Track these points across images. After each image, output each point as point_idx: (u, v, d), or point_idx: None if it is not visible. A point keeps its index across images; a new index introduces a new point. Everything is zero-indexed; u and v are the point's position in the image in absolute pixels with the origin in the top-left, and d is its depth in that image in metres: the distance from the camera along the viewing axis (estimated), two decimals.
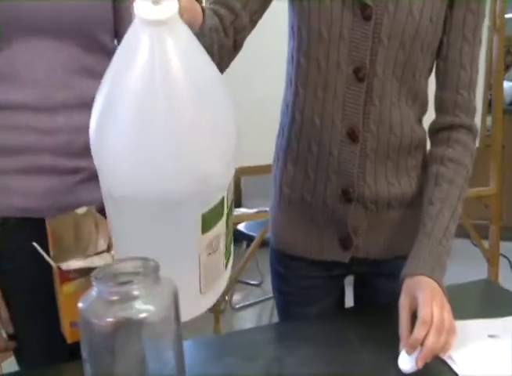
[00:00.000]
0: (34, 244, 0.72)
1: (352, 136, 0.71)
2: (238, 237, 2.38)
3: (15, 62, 0.73)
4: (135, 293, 0.32)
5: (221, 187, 0.46)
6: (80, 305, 0.33)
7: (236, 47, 0.68)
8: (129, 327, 0.32)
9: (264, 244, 1.99)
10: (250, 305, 2.41)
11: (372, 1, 0.66)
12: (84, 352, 0.34)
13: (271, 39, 1.67)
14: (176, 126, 0.39)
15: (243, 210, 1.98)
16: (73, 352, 0.88)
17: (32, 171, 0.73)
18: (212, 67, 0.47)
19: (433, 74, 0.75)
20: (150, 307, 0.33)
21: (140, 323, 0.32)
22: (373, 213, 0.75)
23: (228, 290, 1.90)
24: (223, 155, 0.44)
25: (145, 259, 0.34)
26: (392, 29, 0.67)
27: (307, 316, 0.79)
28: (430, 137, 0.77)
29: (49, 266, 0.77)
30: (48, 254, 0.71)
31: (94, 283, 0.33)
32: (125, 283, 0.33)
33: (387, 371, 0.58)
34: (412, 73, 0.70)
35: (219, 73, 0.50)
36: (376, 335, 0.66)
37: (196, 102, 0.40)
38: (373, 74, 0.69)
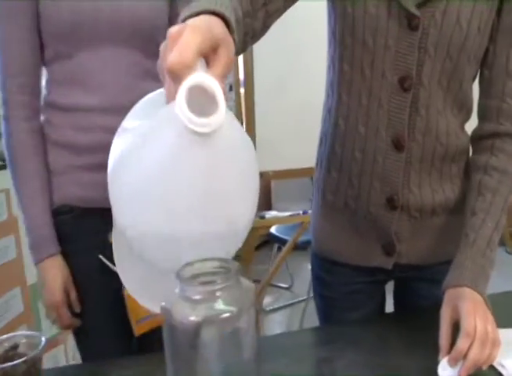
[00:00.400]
0: (100, 256, 0.82)
1: (397, 145, 0.72)
2: (270, 240, 2.40)
3: (84, 68, 0.83)
4: (218, 293, 0.34)
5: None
6: (162, 303, 0.35)
7: (264, 30, 0.65)
8: (211, 326, 0.33)
9: (294, 247, 2.01)
10: (280, 308, 2.43)
11: (419, 11, 0.66)
12: (167, 349, 0.36)
13: (307, 45, 1.69)
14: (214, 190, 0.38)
15: (273, 213, 2.00)
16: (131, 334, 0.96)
17: (99, 167, 0.80)
18: (250, 144, 0.47)
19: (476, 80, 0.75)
20: (232, 308, 0.34)
21: (222, 322, 0.33)
22: (416, 220, 0.76)
23: (260, 292, 1.93)
24: (252, 207, 0.46)
25: (223, 260, 0.36)
26: (439, 39, 0.67)
27: (349, 321, 0.81)
28: (472, 144, 0.77)
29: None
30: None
31: (178, 281, 0.34)
32: (208, 282, 0.34)
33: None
34: (459, 82, 0.71)
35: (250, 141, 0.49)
36: (420, 340, 0.67)
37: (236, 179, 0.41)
38: (419, 84, 0.69)
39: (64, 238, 0.89)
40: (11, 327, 1.45)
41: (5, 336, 0.55)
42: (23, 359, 0.50)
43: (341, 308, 0.84)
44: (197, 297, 0.33)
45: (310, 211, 1.82)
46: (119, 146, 0.42)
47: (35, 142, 0.86)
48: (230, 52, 0.42)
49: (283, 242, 1.99)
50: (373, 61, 0.70)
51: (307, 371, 0.63)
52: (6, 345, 0.54)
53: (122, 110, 0.86)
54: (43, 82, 0.89)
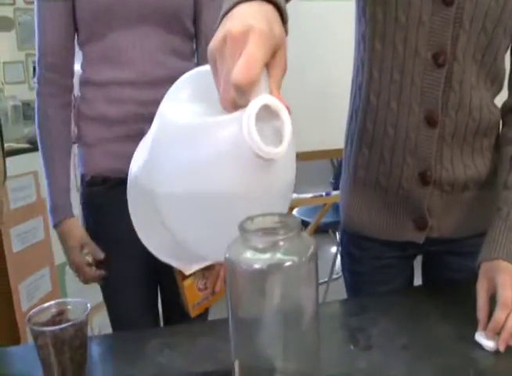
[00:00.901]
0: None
1: (430, 121, 0.73)
2: None
3: (116, 46, 0.89)
4: (281, 243, 0.35)
5: None
6: (227, 255, 0.36)
7: None
8: (275, 273, 0.35)
9: (316, 229, 2.03)
10: None
11: None
12: (230, 299, 0.38)
13: (327, 26, 1.69)
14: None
15: (294, 195, 2.02)
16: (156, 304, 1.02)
17: (131, 138, 0.84)
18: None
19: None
20: (294, 257, 0.35)
21: (285, 270, 0.35)
22: (448, 194, 0.77)
23: None
24: None
25: (283, 215, 0.38)
26: (475, 13, 0.67)
27: (379, 293, 0.83)
28: (502, 117, 0.78)
29: None
30: None
31: (240, 232, 0.36)
32: (271, 233, 0.36)
33: (472, 344, 0.61)
34: (493, 55, 0.71)
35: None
36: (454, 311, 0.69)
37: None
38: (453, 59, 0.70)
39: (97, 208, 0.96)
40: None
41: (52, 302, 0.58)
42: (70, 322, 0.53)
43: (371, 282, 0.86)
44: (261, 246, 0.35)
45: (333, 193, 1.84)
46: (164, 133, 0.42)
47: (60, 116, 0.94)
48: (286, 53, 0.42)
49: (305, 224, 2.01)
50: (406, 37, 0.70)
51: (341, 339, 0.65)
52: (54, 310, 0.57)
53: (150, 84, 0.91)
54: (78, 65, 0.96)
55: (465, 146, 0.75)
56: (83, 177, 0.98)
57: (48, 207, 0.95)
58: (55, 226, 0.95)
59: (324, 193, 1.80)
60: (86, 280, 0.97)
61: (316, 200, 1.83)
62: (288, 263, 0.35)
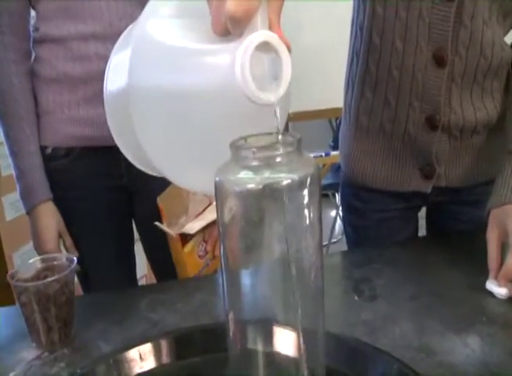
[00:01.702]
0: (157, 223, 0.81)
1: (439, 60, 0.68)
2: None
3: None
4: (278, 159, 0.30)
5: None
6: (216, 178, 0.32)
7: None
8: (272, 194, 0.30)
9: None
10: None
11: None
12: (222, 230, 0.33)
13: None
14: None
15: None
16: (134, 278, 0.96)
17: (96, 100, 0.77)
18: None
19: None
20: (294, 175, 0.30)
21: (283, 190, 0.30)
22: (456, 140, 0.73)
23: None
24: None
25: (280, 133, 0.33)
26: None
27: (385, 244, 0.80)
28: None
29: (111, 194, 0.87)
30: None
31: (232, 151, 0.31)
32: (267, 148, 0.31)
33: (483, 292, 0.58)
34: None
35: None
36: (462, 259, 0.66)
37: None
38: None
39: (61, 184, 0.84)
40: None
41: (38, 257, 0.55)
42: (55, 277, 0.50)
43: (375, 236, 0.82)
44: (256, 163, 0.30)
45: (332, 153, 1.79)
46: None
47: (25, 85, 0.82)
48: None
49: None
50: None
51: (345, 290, 0.62)
52: (39, 266, 0.54)
53: (118, 37, 0.84)
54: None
55: (475, 86, 0.70)
56: (42, 150, 0.84)
57: (18, 189, 0.82)
58: (29, 211, 0.82)
59: (323, 154, 1.75)
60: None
61: (316, 161, 1.79)
62: (287, 181, 0.30)
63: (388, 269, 0.66)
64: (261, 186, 0.30)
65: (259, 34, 0.32)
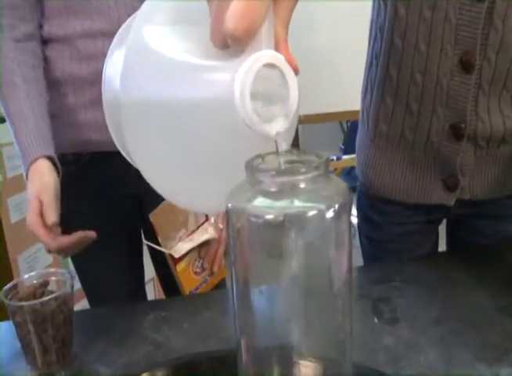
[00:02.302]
0: (146, 242, 0.77)
1: (466, 65, 0.63)
2: None
3: None
4: (303, 185, 0.26)
5: None
6: (229, 204, 0.28)
7: None
8: (294, 226, 0.26)
9: None
10: None
11: None
12: (233, 263, 0.29)
13: None
14: None
15: None
16: (138, 292, 0.93)
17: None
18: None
19: None
20: (320, 205, 0.26)
21: (308, 222, 0.26)
22: (483, 150, 0.68)
23: None
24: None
25: (305, 151, 0.29)
26: None
27: (405, 260, 0.76)
28: None
29: (122, 203, 0.83)
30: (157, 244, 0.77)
31: (247, 173, 0.27)
32: (290, 172, 0.27)
33: (510, 317, 0.54)
34: None
35: None
36: (491, 277, 0.62)
37: None
38: None
39: (69, 192, 0.75)
40: None
41: (33, 273, 0.52)
42: (52, 295, 0.47)
43: (392, 251, 0.78)
44: (275, 189, 0.26)
45: (344, 157, 1.75)
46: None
47: (25, 57, 0.74)
48: None
49: None
50: None
51: (363, 310, 0.58)
52: (34, 283, 0.51)
53: None
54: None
55: (504, 93, 0.66)
56: None
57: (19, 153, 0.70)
58: (27, 174, 0.69)
59: (335, 158, 1.71)
60: (52, 249, 0.74)
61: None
62: (312, 212, 0.25)
63: (409, 288, 0.62)
64: (281, 218, 0.26)
65: (262, 55, 0.28)
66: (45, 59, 0.79)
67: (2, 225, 1.36)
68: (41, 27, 0.79)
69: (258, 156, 0.28)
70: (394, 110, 0.70)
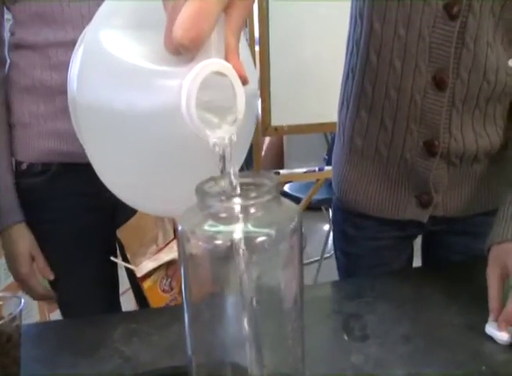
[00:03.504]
0: (112, 258, 0.79)
1: (439, 83, 0.64)
2: None
3: (61, 1, 0.72)
4: (252, 210, 0.26)
5: None
6: (180, 227, 0.28)
7: None
8: (243, 252, 0.26)
9: (308, 206, 1.96)
10: None
11: None
12: (184, 287, 0.29)
13: (322, 2, 1.60)
14: None
15: (285, 171, 1.93)
16: (112, 304, 0.92)
17: None
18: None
19: None
20: (270, 230, 0.26)
21: (258, 248, 0.26)
22: (456, 167, 0.69)
23: None
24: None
25: (256, 173, 0.29)
26: None
27: (376, 275, 0.76)
28: None
29: (91, 215, 0.82)
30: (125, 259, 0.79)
31: (197, 197, 0.27)
32: (239, 196, 0.26)
33: (483, 335, 0.54)
34: None
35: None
36: (458, 295, 0.62)
37: None
38: (468, 11, 0.60)
39: (36, 205, 0.79)
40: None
41: None
42: None
43: (367, 265, 0.78)
44: (225, 214, 0.26)
45: (326, 168, 1.75)
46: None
47: (0, 96, 0.76)
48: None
49: (296, 200, 1.93)
50: None
51: (334, 327, 0.58)
52: None
53: None
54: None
55: (477, 112, 0.67)
56: (17, 165, 0.78)
57: None
58: (1, 232, 0.77)
59: (317, 168, 1.71)
60: (37, 296, 0.83)
61: (309, 176, 1.74)
62: (261, 238, 0.26)
63: (380, 304, 0.62)
64: (229, 242, 0.25)
65: (210, 63, 0.28)
66: (13, 65, 0.78)
67: None
68: (12, 32, 0.77)
69: (211, 178, 0.28)
70: (368, 125, 0.71)
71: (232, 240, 0.26)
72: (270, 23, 1.58)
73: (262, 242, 0.26)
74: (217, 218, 0.26)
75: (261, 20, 1.57)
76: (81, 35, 0.39)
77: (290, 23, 1.62)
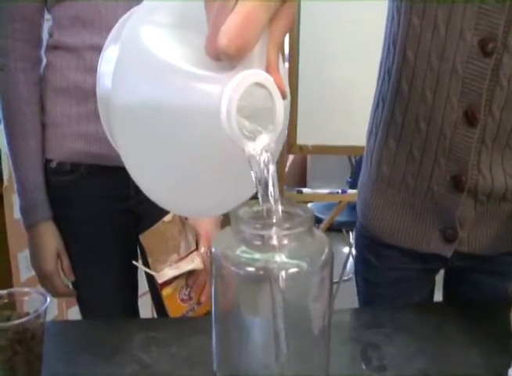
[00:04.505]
0: (134, 262, 0.81)
1: (471, 119, 0.64)
2: None
3: (99, 7, 0.75)
4: (286, 241, 0.27)
5: None
6: (213, 248, 0.29)
7: None
8: (274, 281, 0.27)
9: (329, 227, 1.95)
10: None
11: None
12: (215, 308, 0.30)
13: (355, 18, 1.61)
14: None
15: (309, 190, 1.94)
16: (131, 307, 0.94)
17: None
18: None
19: None
20: (303, 262, 0.27)
21: (289, 278, 0.27)
22: (483, 205, 0.68)
23: None
24: None
25: (292, 204, 0.30)
26: None
27: (398, 307, 0.75)
28: None
29: (115, 217, 0.85)
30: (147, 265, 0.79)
31: (232, 221, 0.28)
32: (272, 226, 0.27)
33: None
34: None
35: None
36: (481, 335, 0.61)
37: None
38: (504, 49, 0.60)
39: (64, 202, 0.81)
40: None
41: (4, 291, 0.49)
42: (16, 321, 0.44)
43: (386, 295, 0.78)
44: (259, 242, 0.27)
45: (349, 191, 1.75)
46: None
47: (33, 96, 0.79)
48: (295, 7, 0.32)
49: (317, 221, 1.93)
50: (450, 16, 0.60)
51: (351, 355, 0.58)
52: (1, 302, 0.48)
53: None
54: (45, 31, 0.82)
55: (507, 151, 0.66)
56: (47, 163, 0.81)
57: (19, 205, 0.80)
58: (29, 228, 0.80)
59: (340, 191, 1.71)
60: (57, 294, 0.85)
61: (331, 197, 1.74)
62: (294, 269, 0.27)
63: (399, 336, 0.61)
64: (262, 271, 0.27)
65: (253, 73, 0.29)
66: (50, 66, 0.81)
67: (5, 221, 1.35)
68: (50, 34, 0.80)
69: (244, 204, 0.29)
70: (396, 154, 0.71)
71: (264, 269, 0.27)
72: (300, 39, 1.60)
73: (294, 273, 0.27)
74: (250, 245, 0.27)
75: (292, 37, 1.59)
76: (114, 29, 0.39)
77: (320, 41, 1.64)
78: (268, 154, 0.29)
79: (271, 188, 0.28)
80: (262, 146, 0.29)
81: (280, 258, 0.27)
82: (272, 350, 0.30)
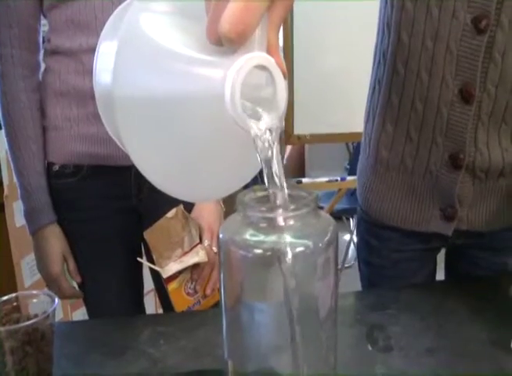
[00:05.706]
0: (139, 259, 0.82)
1: (466, 96, 0.64)
2: None
3: (94, 8, 0.75)
4: (292, 222, 0.27)
5: None
6: (221, 235, 0.29)
7: None
8: (281, 261, 0.27)
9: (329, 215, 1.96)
10: None
11: None
12: (223, 293, 0.31)
13: (348, 9, 1.61)
14: None
15: (308, 179, 1.94)
16: (137, 305, 0.94)
17: None
18: None
19: None
20: (308, 241, 0.27)
21: (296, 258, 0.27)
22: (481, 182, 0.69)
23: None
24: None
25: (295, 187, 0.30)
26: None
27: (401, 287, 0.76)
28: None
29: (119, 217, 0.85)
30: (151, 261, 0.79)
31: (238, 206, 0.28)
32: (278, 208, 0.27)
33: (507, 350, 0.54)
34: None
35: None
36: (482, 310, 0.61)
37: None
38: (497, 25, 0.61)
39: (67, 205, 0.82)
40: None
41: (13, 294, 0.50)
42: (26, 323, 0.44)
43: (389, 276, 0.78)
44: (265, 224, 0.27)
45: (348, 178, 1.75)
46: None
47: (33, 102, 0.79)
48: None
49: None
50: None
51: (357, 337, 0.58)
52: (8, 306, 0.48)
53: None
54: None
55: (503, 127, 0.66)
56: (50, 166, 0.82)
57: (23, 210, 0.81)
58: (34, 232, 0.80)
59: (339, 178, 1.71)
60: (64, 296, 0.85)
61: (331, 185, 1.75)
62: (300, 248, 0.27)
63: (404, 316, 0.62)
64: (269, 252, 0.27)
65: (255, 56, 0.29)
66: (49, 70, 0.81)
67: (7, 228, 1.36)
68: (47, 39, 0.81)
69: (250, 190, 0.29)
70: (394, 137, 0.71)
71: (272, 250, 0.27)
72: (294, 30, 1.60)
73: (301, 252, 0.27)
74: (257, 228, 0.27)
75: (285, 28, 1.58)
76: (107, 26, 0.38)
77: (314, 32, 1.64)
78: (273, 134, 0.29)
79: (276, 167, 0.28)
80: (266, 126, 0.30)
81: (287, 238, 0.27)
82: (282, 332, 0.30)
